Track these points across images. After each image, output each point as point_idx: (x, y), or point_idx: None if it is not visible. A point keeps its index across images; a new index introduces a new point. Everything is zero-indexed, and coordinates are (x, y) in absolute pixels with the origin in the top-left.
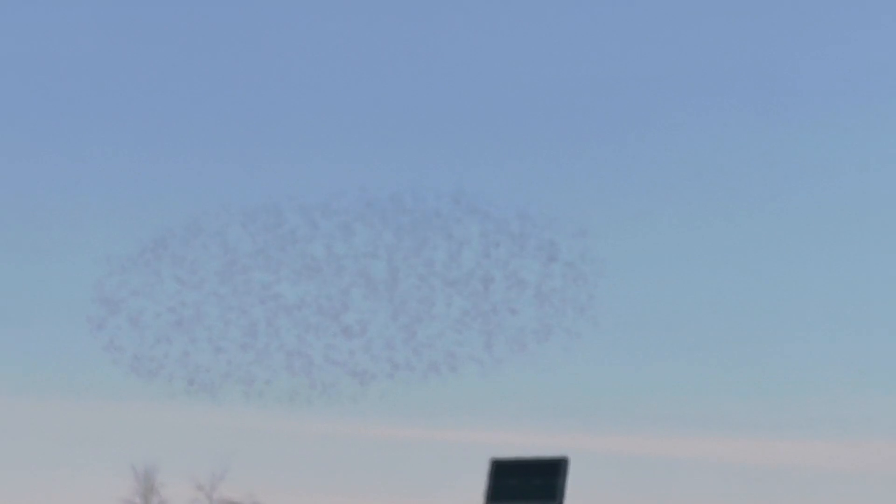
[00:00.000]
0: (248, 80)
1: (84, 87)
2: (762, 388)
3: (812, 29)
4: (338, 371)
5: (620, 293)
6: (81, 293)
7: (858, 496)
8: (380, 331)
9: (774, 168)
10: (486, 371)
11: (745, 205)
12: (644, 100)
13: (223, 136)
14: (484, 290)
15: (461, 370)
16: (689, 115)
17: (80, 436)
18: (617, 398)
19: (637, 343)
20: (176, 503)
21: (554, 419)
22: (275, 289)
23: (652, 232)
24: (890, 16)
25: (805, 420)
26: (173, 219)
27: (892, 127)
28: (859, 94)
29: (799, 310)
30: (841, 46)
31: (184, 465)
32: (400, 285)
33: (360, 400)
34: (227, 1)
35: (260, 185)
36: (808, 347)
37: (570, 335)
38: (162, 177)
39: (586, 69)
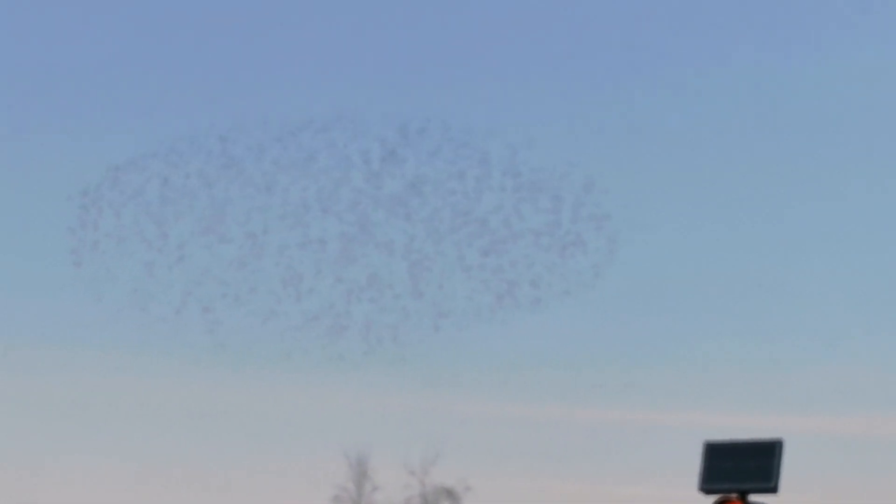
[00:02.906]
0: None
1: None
2: None
3: None
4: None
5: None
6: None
7: None
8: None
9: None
10: (695, 356)
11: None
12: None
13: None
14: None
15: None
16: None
17: (294, 422)
18: (830, 379)
19: (853, 325)
20: (389, 489)
21: (768, 400)
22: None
23: None
24: None
25: None
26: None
27: None
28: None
29: None
30: None
31: (396, 450)
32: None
33: (570, 383)
34: None
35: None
36: None
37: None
38: None
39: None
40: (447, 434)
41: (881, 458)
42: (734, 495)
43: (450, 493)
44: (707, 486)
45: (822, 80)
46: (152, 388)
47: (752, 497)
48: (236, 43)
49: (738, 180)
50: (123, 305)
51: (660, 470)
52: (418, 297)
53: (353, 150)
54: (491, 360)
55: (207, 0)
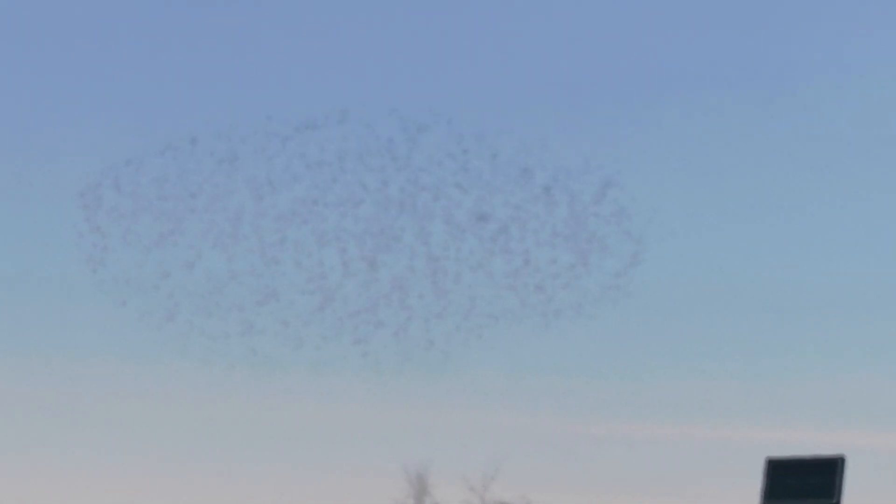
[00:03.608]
0: None
1: None
2: None
3: None
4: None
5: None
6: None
7: None
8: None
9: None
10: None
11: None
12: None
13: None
14: None
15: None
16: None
17: (353, 438)
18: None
19: None
20: None
21: (830, 416)
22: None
23: None
24: None
25: None
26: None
27: None
28: None
29: None
30: None
31: (456, 466)
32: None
33: (626, 397)
34: None
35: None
36: None
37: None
38: None
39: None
40: (506, 449)
41: None
42: None
43: None
44: (769, 502)
45: (864, 83)
46: (186, 400)
47: None
48: (238, 40)
49: (781, 184)
50: (146, 312)
51: (721, 486)
52: (449, 304)
53: (365, 149)
54: (538, 370)
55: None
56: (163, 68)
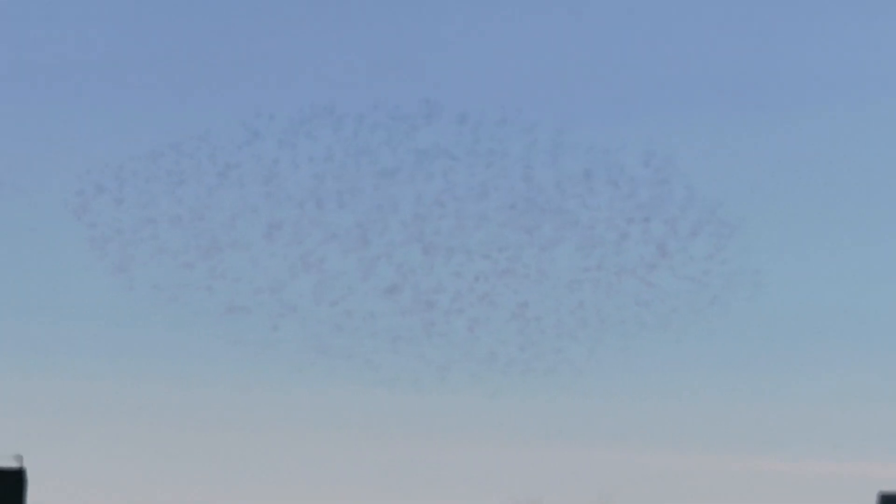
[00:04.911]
0: None
1: None
2: None
3: None
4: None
5: None
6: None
7: None
8: None
9: None
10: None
11: None
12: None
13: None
14: None
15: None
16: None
17: (464, 471)
18: None
19: None
20: None
21: None
22: None
23: None
24: None
25: None
26: None
27: None
28: None
29: None
30: None
31: (565, 500)
32: None
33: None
34: None
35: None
36: None
37: None
38: None
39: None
40: (615, 485)
41: None
42: None
43: None
44: None
45: None
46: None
47: None
48: (245, 35)
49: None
50: (220, 318)
51: None
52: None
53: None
54: (647, 400)
55: None
56: (158, 69)
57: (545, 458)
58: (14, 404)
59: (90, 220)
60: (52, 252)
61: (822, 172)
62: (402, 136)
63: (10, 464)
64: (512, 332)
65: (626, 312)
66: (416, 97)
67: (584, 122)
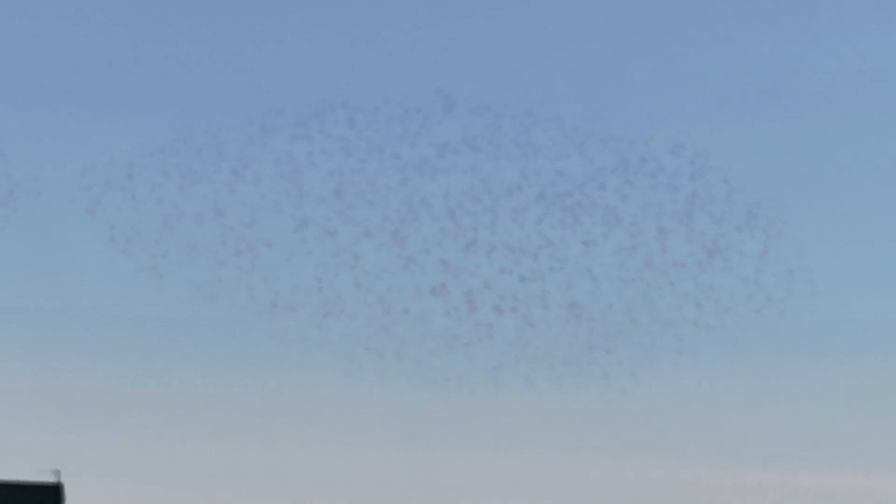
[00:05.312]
0: None
1: None
2: None
3: None
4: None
5: None
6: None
7: None
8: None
9: None
10: None
11: None
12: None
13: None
14: None
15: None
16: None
17: (538, 490)
18: None
19: None
20: None
21: None
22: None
23: None
24: None
25: None
26: None
27: None
28: None
29: None
30: None
31: None
32: None
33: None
34: None
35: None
36: None
37: None
38: None
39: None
40: (676, 497)
41: None
42: None
43: None
44: None
45: None
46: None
47: None
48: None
49: None
50: (306, 320)
51: None
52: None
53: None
54: (703, 417)
55: None
56: (160, 65)
57: (615, 480)
58: (51, 418)
59: (107, 219)
60: (70, 253)
61: (856, 161)
62: (420, 129)
63: (47, 479)
64: (565, 332)
65: (678, 314)
66: (431, 89)
67: (612, 114)
